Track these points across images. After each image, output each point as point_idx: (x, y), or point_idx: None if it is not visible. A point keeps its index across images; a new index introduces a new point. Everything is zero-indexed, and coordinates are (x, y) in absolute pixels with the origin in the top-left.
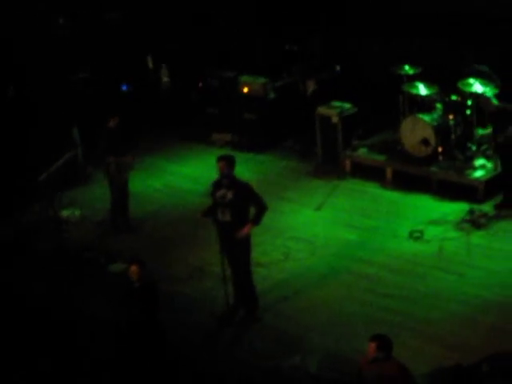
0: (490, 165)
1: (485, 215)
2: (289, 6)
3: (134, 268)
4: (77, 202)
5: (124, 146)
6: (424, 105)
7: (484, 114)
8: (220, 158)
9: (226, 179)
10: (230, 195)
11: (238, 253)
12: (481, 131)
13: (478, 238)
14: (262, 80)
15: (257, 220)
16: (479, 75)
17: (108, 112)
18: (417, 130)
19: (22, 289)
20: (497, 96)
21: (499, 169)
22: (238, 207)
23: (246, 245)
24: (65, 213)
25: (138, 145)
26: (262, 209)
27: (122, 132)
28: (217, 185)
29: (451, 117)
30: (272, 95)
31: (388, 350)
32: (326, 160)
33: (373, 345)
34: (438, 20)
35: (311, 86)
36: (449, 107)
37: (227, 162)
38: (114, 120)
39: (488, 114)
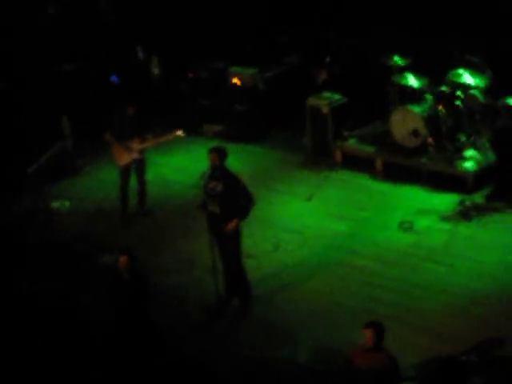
0: (479, 156)
1: (475, 206)
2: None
3: (123, 259)
4: (66, 193)
5: (132, 132)
6: (414, 96)
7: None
8: (211, 150)
9: (217, 171)
10: (219, 187)
11: (227, 245)
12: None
13: (468, 229)
14: (251, 71)
15: (244, 214)
16: (470, 66)
17: (126, 100)
18: (407, 121)
19: (9, 280)
20: (488, 89)
21: (489, 160)
22: (227, 199)
23: (234, 237)
24: (54, 204)
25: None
26: (249, 203)
27: (137, 121)
28: (208, 176)
29: (441, 108)
30: (262, 86)
31: (381, 338)
32: (317, 151)
33: (369, 332)
34: (428, 9)
35: (323, 76)
36: (439, 98)
37: (219, 154)
38: (132, 109)
39: (475, 111)
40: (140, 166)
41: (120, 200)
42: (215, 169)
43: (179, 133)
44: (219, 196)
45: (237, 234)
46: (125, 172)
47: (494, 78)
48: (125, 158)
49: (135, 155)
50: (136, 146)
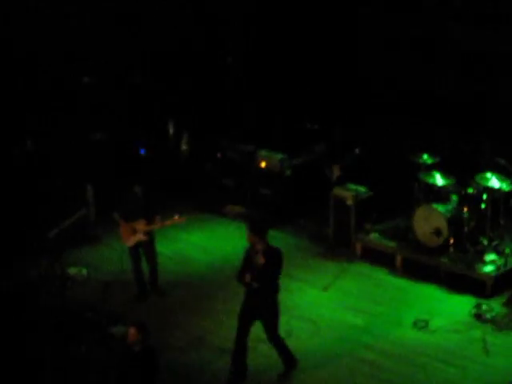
0: (500, 261)
1: (491, 311)
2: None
3: (132, 331)
4: (84, 261)
5: (139, 213)
6: (439, 195)
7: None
8: (248, 229)
9: (259, 246)
10: (261, 261)
11: (267, 316)
12: None
13: (482, 333)
14: (279, 156)
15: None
16: (497, 169)
17: (132, 178)
18: (430, 220)
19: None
20: None
21: (509, 265)
22: (267, 273)
23: (274, 309)
24: (71, 271)
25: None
26: None
27: (144, 202)
28: (251, 251)
29: (465, 209)
30: (288, 172)
31: None
32: (338, 241)
33: None
34: (456, 110)
35: (336, 172)
36: (464, 199)
37: (253, 233)
38: (138, 187)
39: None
40: (147, 248)
41: (134, 279)
42: (254, 245)
43: (182, 219)
44: (260, 270)
45: (276, 306)
46: (133, 252)
47: None
48: (131, 240)
49: (141, 237)
50: (141, 227)
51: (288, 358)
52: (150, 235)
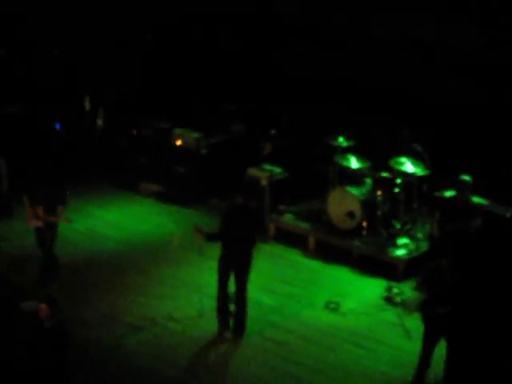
0: (412, 245)
1: (402, 294)
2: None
3: (43, 307)
4: None
5: (41, 200)
6: (354, 178)
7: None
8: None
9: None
10: None
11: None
12: None
13: (393, 316)
14: (195, 135)
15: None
16: (412, 154)
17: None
18: (344, 202)
19: None
20: (426, 179)
21: (421, 249)
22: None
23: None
24: None
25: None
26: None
27: (46, 189)
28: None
29: (379, 193)
30: (204, 151)
31: None
32: None
33: None
34: (376, 97)
35: (268, 149)
36: (378, 183)
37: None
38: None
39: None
40: (47, 232)
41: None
42: None
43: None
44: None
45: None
46: (38, 231)
47: (433, 169)
48: (31, 223)
49: (38, 223)
50: (40, 214)
51: (241, 321)
52: (51, 224)
